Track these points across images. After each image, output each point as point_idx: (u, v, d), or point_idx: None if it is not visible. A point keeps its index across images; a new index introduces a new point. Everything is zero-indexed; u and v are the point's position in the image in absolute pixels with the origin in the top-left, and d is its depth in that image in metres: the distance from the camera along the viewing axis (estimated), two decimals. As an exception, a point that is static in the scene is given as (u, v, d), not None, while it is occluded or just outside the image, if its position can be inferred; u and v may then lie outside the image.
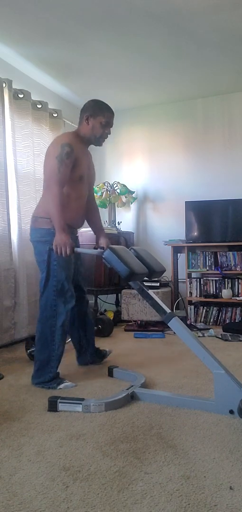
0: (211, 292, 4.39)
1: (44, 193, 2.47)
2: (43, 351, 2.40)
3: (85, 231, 3.50)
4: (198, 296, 4.43)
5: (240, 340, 3.54)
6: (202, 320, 4.37)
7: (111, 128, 2.56)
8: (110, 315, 4.32)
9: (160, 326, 4.02)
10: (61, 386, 2.35)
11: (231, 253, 4.35)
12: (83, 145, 2.53)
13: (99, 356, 2.85)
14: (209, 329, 3.99)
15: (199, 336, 3.74)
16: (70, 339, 2.80)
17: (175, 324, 2.08)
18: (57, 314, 2.39)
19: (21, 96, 3.63)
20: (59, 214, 2.28)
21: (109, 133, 2.55)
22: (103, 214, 4.51)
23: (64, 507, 1.24)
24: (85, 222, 2.76)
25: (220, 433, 1.72)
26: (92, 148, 2.65)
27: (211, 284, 4.41)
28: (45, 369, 2.39)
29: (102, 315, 4.13)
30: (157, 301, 2.19)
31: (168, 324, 2.11)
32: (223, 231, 4.40)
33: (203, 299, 4.38)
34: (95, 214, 2.80)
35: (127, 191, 4.75)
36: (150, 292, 2.25)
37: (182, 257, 4.53)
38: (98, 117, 2.46)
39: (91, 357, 2.81)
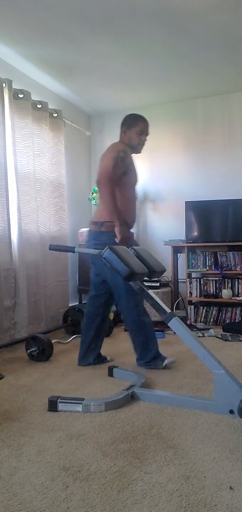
0: (211, 292, 4.39)
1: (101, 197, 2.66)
2: (139, 334, 2.66)
3: (84, 231, 3.50)
4: (198, 296, 4.42)
5: (240, 340, 3.54)
6: (202, 320, 4.37)
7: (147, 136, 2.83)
8: (110, 315, 4.32)
9: (160, 326, 4.01)
10: (166, 362, 2.64)
11: (231, 253, 4.35)
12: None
13: (100, 360, 2.88)
14: (209, 329, 3.99)
15: (199, 336, 3.74)
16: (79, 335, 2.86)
17: (175, 324, 2.08)
18: (138, 304, 2.65)
19: (21, 96, 3.63)
20: (116, 209, 2.49)
21: (146, 140, 2.81)
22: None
23: (64, 507, 1.24)
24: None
25: (220, 433, 1.72)
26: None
27: (211, 284, 4.41)
28: (146, 350, 2.65)
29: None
30: (157, 301, 2.19)
31: (168, 324, 2.11)
32: (223, 231, 4.40)
33: (203, 299, 4.38)
34: None
35: (127, 191, 4.75)
36: (150, 292, 2.25)
37: (182, 257, 4.53)
38: (133, 128, 2.75)
39: (94, 359, 2.84)
